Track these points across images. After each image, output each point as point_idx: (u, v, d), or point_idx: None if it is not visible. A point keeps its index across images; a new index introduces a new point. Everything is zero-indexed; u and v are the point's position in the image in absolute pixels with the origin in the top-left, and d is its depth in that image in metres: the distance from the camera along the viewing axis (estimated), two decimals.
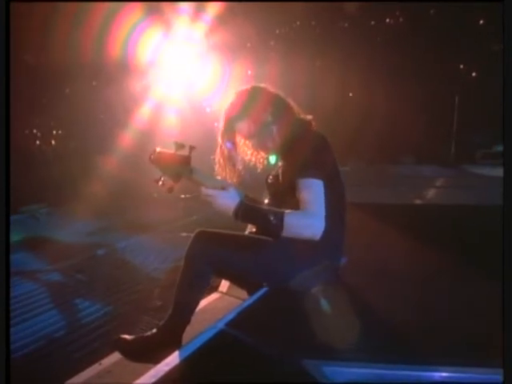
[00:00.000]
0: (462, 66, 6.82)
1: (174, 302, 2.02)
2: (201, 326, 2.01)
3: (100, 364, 2.01)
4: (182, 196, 6.31)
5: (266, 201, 2.17)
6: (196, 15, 8.49)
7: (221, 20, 8.77)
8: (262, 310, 1.88)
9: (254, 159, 2.16)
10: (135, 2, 7.72)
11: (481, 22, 6.91)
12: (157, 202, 5.65)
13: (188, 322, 1.98)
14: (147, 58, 7.94)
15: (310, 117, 2.06)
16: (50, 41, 7.09)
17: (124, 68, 7.67)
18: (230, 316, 1.87)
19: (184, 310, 2.00)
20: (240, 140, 2.10)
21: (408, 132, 7.04)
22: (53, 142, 8.20)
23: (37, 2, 7.09)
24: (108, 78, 7.81)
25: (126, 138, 7.38)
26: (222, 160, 2.09)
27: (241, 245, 1.96)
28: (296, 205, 1.82)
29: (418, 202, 5.39)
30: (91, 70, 7.93)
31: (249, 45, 9.53)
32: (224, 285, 2.69)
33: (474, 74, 6.72)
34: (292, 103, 2.05)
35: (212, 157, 2.06)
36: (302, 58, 8.38)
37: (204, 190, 1.80)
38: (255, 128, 1.97)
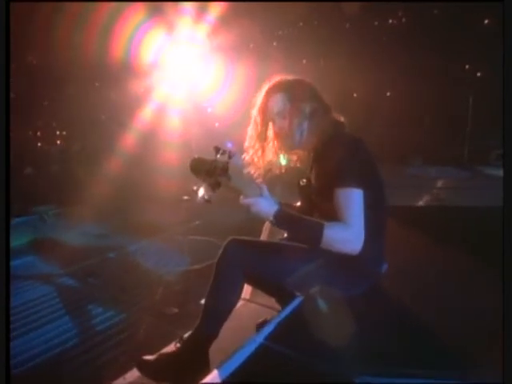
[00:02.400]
0: (474, 67, 6.74)
1: (203, 312, 1.88)
2: (229, 335, 1.87)
3: (124, 378, 1.88)
4: (185, 198, 6.15)
5: (298, 203, 2.03)
6: (199, 16, 8.32)
7: (224, 20, 8.63)
8: (300, 321, 1.75)
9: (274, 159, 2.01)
10: (138, 3, 7.57)
11: (486, 21, 6.83)
12: (161, 202, 5.48)
13: (216, 335, 1.85)
14: (150, 59, 7.78)
15: (342, 119, 1.92)
16: (53, 41, 6.93)
17: (127, 69, 7.52)
18: (269, 329, 1.73)
19: (213, 322, 1.86)
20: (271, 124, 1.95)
21: (418, 133, 6.92)
22: (58, 142, 8.04)
23: (39, 3, 6.93)
24: (111, 79, 7.66)
25: (131, 139, 7.23)
26: (252, 138, 1.96)
27: (276, 252, 1.84)
28: (330, 211, 1.69)
29: (437, 203, 5.21)
30: (94, 71, 7.77)
31: (252, 45, 9.39)
32: (246, 291, 2.55)
33: (487, 75, 6.62)
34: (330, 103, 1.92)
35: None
36: (305, 58, 8.25)
37: (242, 199, 1.69)
38: (289, 110, 1.83)
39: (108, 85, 7.94)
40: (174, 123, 7.87)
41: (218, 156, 1.67)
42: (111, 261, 3.81)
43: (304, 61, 8.41)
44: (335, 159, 1.70)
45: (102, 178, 5.83)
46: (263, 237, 3.00)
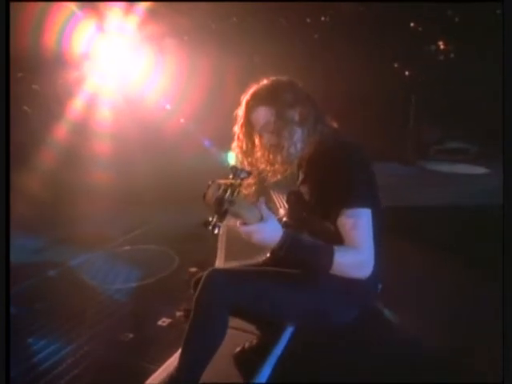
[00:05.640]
0: (405, 65, 6.83)
1: (182, 358, 1.59)
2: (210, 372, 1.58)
3: None
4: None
5: (285, 219, 1.76)
6: (131, 7, 7.78)
7: (154, 12, 8.14)
8: (297, 356, 1.52)
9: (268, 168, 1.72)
10: None
11: (412, 24, 6.95)
12: (102, 205, 4.95)
13: (197, 382, 1.57)
14: (80, 50, 7.17)
15: (335, 124, 1.67)
16: None
17: (57, 60, 6.84)
18: (267, 372, 1.48)
19: (195, 370, 1.58)
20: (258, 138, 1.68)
21: (355, 130, 6.87)
22: None
23: None
24: (40, 70, 6.94)
25: (62, 132, 6.59)
26: (240, 155, 1.70)
27: (266, 282, 1.58)
28: (324, 231, 1.49)
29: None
30: (20, 63, 6.99)
31: (186, 38, 9.00)
32: None
33: (422, 72, 6.74)
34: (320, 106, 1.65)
35: None
36: (240, 53, 8.00)
37: (241, 227, 1.39)
38: (276, 121, 1.56)
39: (36, 76, 7.20)
40: (105, 114, 7.33)
41: (234, 179, 1.38)
42: (52, 280, 3.28)
43: (238, 56, 8.14)
44: (339, 174, 1.47)
45: (32, 179, 5.17)
46: (220, 245, 2.74)
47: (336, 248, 1.41)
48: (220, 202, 1.32)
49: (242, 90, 1.69)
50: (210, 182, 1.38)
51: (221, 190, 1.33)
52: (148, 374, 2.08)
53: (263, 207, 1.41)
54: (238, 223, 1.40)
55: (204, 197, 1.38)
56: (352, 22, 7.32)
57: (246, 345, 2.05)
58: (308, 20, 8.06)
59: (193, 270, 3.19)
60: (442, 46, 7.03)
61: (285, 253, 1.40)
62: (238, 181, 1.38)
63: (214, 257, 3.37)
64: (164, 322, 2.68)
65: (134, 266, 3.44)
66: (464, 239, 3.44)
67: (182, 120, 7.50)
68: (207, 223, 1.32)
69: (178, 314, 2.71)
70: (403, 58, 7.00)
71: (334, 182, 1.46)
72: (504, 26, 1.45)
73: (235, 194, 1.34)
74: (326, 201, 1.48)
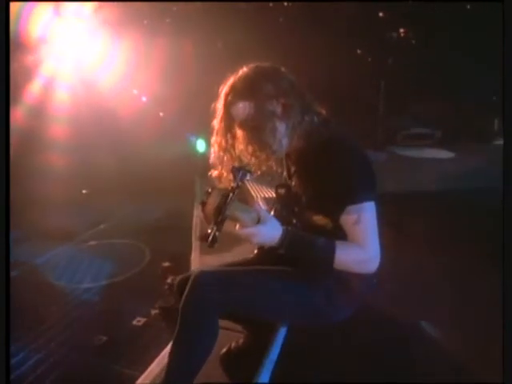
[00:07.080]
0: (379, 51, 6.81)
1: (169, 370, 1.46)
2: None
3: None
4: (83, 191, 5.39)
5: (272, 212, 1.64)
6: None
7: None
8: (293, 358, 1.44)
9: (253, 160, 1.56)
10: None
11: (381, 14, 6.91)
12: (63, 196, 4.64)
13: None
14: (37, 34, 6.76)
15: (324, 111, 1.54)
16: None
17: (13, 44, 6.41)
18: (265, 376, 1.39)
19: (184, 377, 1.45)
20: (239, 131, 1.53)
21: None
22: None
23: None
24: None
25: (18, 116, 6.19)
26: (219, 151, 1.54)
27: (257, 282, 1.48)
28: (318, 226, 1.39)
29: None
30: None
31: (146, 22, 8.65)
32: None
33: (387, 59, 6.75)
34: (308, 93, 1.51)
35: None
36: (203, 38, 7.74)
37: (240, 230, 1.28)
38: (257, 116, 1.40)
39: None
40: (62, 97, 6.99)
41: (235, 181, 1.27)
42: (15, 281, 2.98)
43: (200, 40, 7.88)
44: (338, 168, 1.35)
45: None
46: (195, 237, 2.64)
47: (338, 245, 1.33)
48: (221, 210, 1.19)
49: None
50: (209, 190, 1.26)
51: (222, 197, 1.21)
52: (127, 380, 1.95)
53: (260, 207, 1.29)
54: (237, 227, 1.29)
55: (203, 206, 1.24)
56: (317, 7, 7.20)
57: (233, 345, 1.95)
58: (271, 4, 7.89)
59: (166, 264, 3.05)
60: (407, 34, 7.08)
61: (285, 251, 1.33)
62: (239, 183, 1.25)
63: (187, 249, 3.24)
64: (139, 321, 2.53)
65: (102, 262, 3.23)
66: (436, 223, 3.48)
67: (160, 114, 7.17)
68: (206, 236, 1.19)
69: (154, 312, 2.57)
70: (369, 44, 6.98)
71: (333, 177, 1.35)
72: (504, 26, 1.41)
73: (233, 199, 1.22)
74: (325, 197, 1.37)
